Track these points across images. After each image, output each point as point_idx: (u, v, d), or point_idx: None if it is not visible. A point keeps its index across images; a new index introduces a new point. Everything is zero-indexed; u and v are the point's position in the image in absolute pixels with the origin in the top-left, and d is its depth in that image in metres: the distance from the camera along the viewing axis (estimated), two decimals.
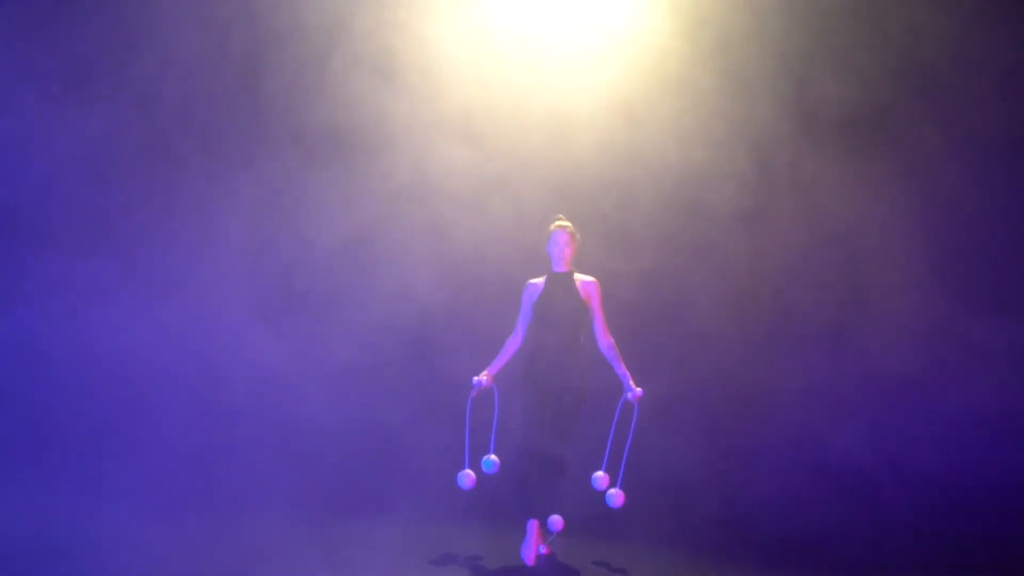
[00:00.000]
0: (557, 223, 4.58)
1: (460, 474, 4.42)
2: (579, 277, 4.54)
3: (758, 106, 5.93)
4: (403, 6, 6.01)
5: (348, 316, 6.08)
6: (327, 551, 4.48)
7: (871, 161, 5.88)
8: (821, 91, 5.84)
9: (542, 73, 6.08)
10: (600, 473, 4.45)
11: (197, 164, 6.18)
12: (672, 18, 5.88)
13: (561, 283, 4.52)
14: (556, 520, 4.40)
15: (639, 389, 4.41)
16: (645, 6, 5.92)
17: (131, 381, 6.07)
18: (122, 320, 6.08)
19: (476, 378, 4.52)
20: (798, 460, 5.81)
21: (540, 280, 4.60)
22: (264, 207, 6.20)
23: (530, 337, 4.58)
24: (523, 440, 4.44)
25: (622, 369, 4.48)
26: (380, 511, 5.20)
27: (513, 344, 4.61)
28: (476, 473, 4.43)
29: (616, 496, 4.36)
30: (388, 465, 5.75)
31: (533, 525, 4.36)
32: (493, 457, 4.48)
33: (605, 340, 4.51)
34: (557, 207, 4.93)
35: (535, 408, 4.45)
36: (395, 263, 6.09)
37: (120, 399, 6.05)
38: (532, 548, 4.32)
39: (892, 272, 5.84)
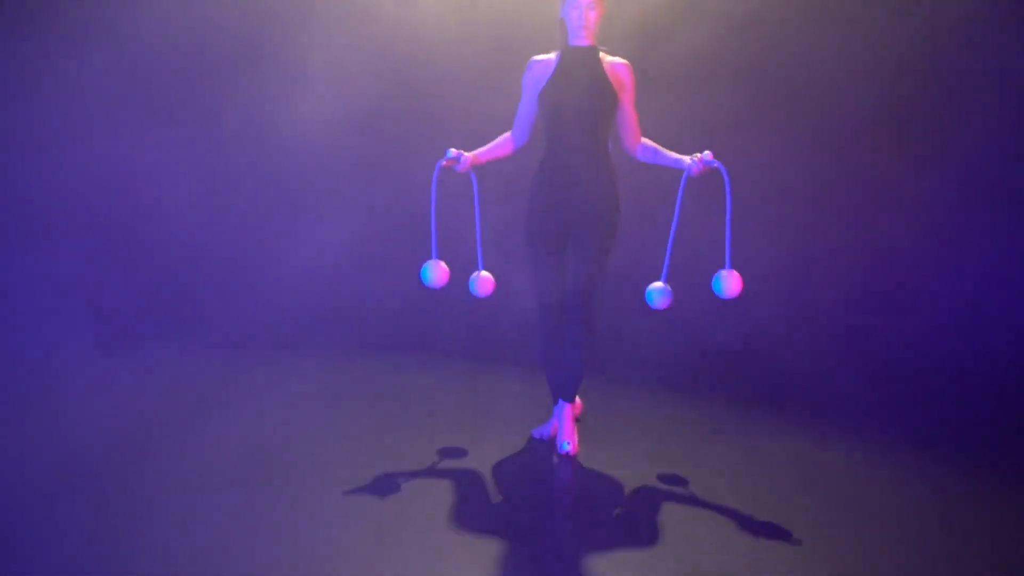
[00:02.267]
0: None
1: (427, 265, 3.19)
2: (607, 57, 3.17)
3: None
4: None
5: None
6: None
7: None
8: None
9: None
10: (659, 284, 3.09)
11: None
12: None
13: (582, 62, 3.15)
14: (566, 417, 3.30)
15: (706, 152, 3.02)
16: None
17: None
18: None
19: (453, 150, 3.19)
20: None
21: (550, 57, 3.21)
22: None
23: (539, 141, 3.25)
24: (538, 295, 3.22)
25: (670, 156, 3.13)
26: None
27: (509, 143, 3.30)
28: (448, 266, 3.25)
29: (731, 279, 2.94)
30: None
31: (564, 410, 3.27)
32: (484, 274, 3.29)
33: (638, 142, 3.22)
34: None
35: (550, 244, 3.18)
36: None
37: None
38: (568, 433, 3.25)
39: None
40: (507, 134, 3.30)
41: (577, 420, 3.46)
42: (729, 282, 2.94)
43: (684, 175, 3.08)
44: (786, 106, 4.88)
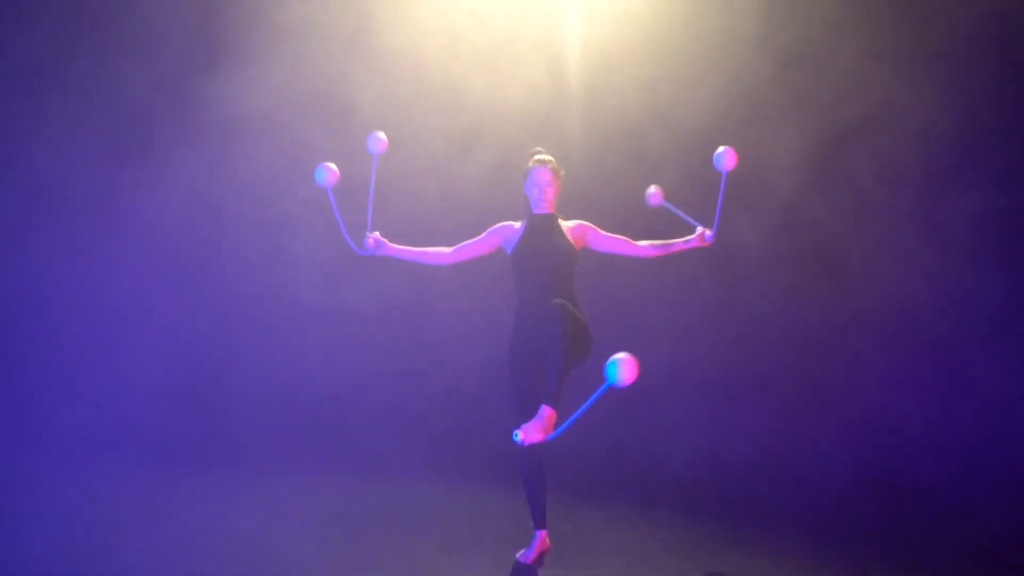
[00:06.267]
0: (536, 158, 3.80)
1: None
2: (564, 222, 3.77)
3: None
4: None
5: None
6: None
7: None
8: None
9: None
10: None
11: None
12: None
13: (545, 226, 3.72)
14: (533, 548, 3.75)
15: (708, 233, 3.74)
16: None
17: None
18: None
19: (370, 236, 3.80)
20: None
21: (517, 224, 3.78)
22: None
23: (515, 302, 3.76)
24: (518, 413, 3.62)
25: (678, 243, 3.77)
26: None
27: (440, 256, 3.83)
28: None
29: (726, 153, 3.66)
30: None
31: (540, 536, 3.74)
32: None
33: (640, 249, 3.79)
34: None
35: (526, 367, 3.64)
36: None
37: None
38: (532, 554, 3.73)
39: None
40: (444, 248, 3.81)
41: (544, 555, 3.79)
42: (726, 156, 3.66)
43: (695, 239, 3.75)
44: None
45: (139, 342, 5.69)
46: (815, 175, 5.33)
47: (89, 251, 5.72)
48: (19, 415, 5.50)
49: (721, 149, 3.64)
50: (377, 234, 3.78)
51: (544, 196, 3.72)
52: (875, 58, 5.20)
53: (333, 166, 3.75)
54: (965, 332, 5.14)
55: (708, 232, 3.71)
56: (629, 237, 3.82)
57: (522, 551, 3.77)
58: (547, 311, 3.47)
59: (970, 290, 5.11)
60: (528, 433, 3.19)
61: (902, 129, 5.18)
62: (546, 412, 3.25)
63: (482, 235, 3.81)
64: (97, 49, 5.66)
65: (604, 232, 3.79)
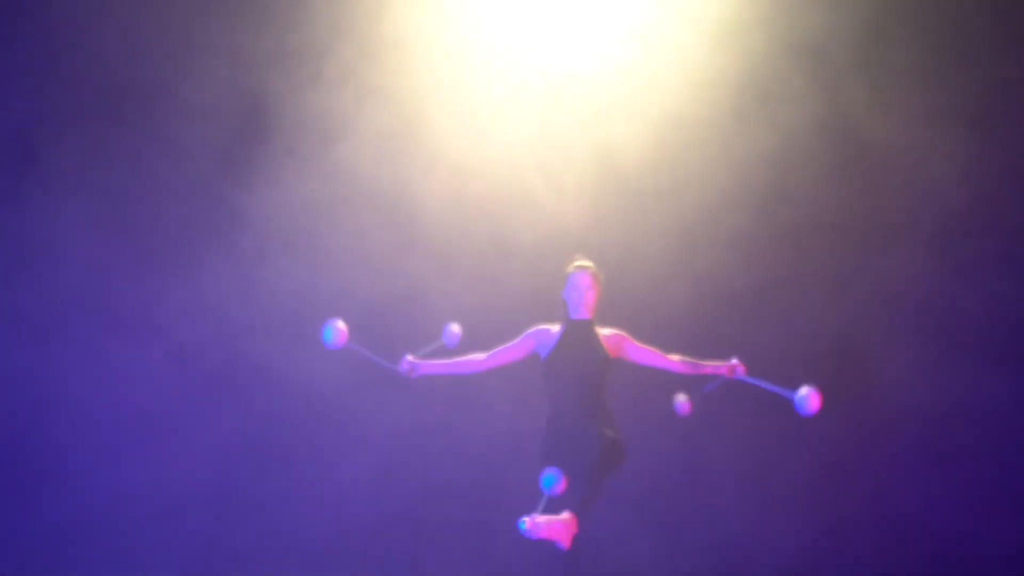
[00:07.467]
0: (576, 264, 3.84)
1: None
2: (601, 330, 3.77)
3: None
4: None
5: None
6: None
7: None
8: None
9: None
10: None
11: None
12: None
13: (582, 333, 3.72)
14: None
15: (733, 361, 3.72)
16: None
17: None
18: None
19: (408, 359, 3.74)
20: None
21: (554, 328, 3.77)
22: None
23: (546, 405, 3.72)
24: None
25: (709, 366, 3.75)
26: None
27: (476, 364, 3.78)
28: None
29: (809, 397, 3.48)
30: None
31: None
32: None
33: (670, 362, 3.76)
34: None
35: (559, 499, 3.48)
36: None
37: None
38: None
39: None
40: (479, 355, 3.77)
41: None
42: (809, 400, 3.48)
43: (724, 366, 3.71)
44: None
45: (161, 457, 5.46)
46: (846, 280, 5.31)
47: (111, 361, 5.48)
48: (32, 526, 5.36)
49: (804, 391, 3.51)
50: (410, 357, 3.75)
51: (584, 301, 3.72)
52: (910, 167, 5.24)
53: (342, 325, 3.70)
54: (1004, 439, 5.05)
55: (738, 365, 3.70)
56: (661, 348, 3.80)
57: None
58: (585, 431, 3.47)
59: (1008, 395, 5.03)
60: (538, 527, 3.07)
61: (934, 233, 5.20)
62: (569, 517, 3.17)
63: (517, 339, 3.79)
64: (132, 153, 5.52)
65: (638, 343, 3.78)
